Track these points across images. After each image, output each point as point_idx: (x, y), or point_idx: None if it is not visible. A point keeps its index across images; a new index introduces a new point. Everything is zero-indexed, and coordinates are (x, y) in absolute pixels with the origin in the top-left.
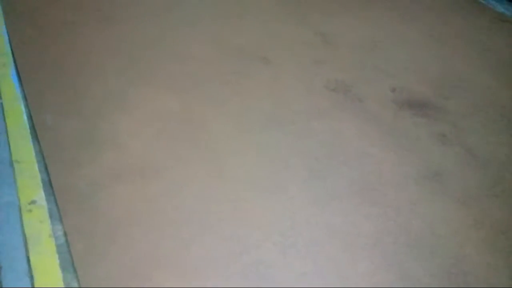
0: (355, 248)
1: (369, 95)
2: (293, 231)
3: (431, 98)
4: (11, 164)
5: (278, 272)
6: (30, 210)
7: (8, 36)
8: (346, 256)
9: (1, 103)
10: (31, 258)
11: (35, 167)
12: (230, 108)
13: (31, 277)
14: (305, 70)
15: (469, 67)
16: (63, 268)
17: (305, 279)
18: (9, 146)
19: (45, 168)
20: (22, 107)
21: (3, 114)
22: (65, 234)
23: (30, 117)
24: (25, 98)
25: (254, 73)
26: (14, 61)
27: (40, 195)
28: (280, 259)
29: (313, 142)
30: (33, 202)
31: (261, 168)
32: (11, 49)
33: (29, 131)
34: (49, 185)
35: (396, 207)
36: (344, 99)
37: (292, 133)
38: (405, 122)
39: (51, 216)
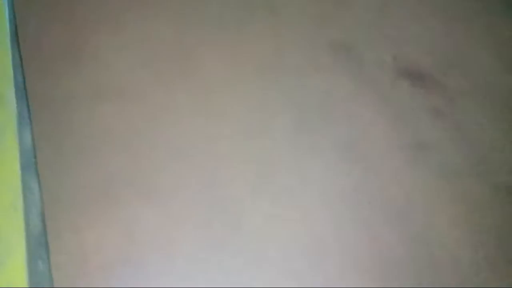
0: (327, 202)
1: (370, 59)
2: (267, 175)
3: (432, 71)
4: None
5: (245, 211)
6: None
7: None
8: (316, 208)
9: None
10: None
11: (9, 69)
12: (226, 48)
13: None
14: (311, 25)
15: (476, 48)
16: (23, 168)
17: (270, 223)
18: None
19: (22, 73)
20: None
21: None
22: (33, 139)
23: (14, 18)
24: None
25: (258, 21)
26: None
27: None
28: (249, 198)
29: (306, 96)
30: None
31: (247, 111)
32: None
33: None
34: (23, 89)
35: (376, 170)
36: (344, 59)
37: (286, 85)
38: (401, 91)
39: (20, 121)
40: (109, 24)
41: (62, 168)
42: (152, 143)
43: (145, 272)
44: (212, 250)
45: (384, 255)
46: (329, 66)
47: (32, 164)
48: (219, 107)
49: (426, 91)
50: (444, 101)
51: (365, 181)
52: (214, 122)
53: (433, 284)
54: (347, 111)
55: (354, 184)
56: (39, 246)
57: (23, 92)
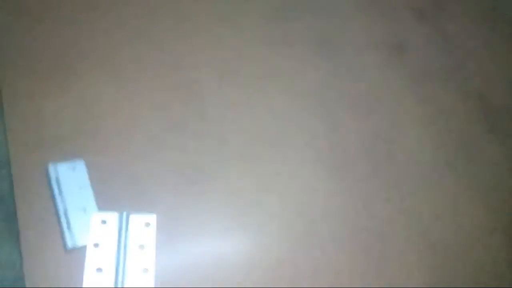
0: (293, 91)
1: None
2: (235, 63)
3: None
4: None
5: (209, 96)
6: None
7: None
8: (281, 96)
9: None
10: None
11: None
12: None
13: None
14: None
15: None
16: None
17: (234, 109)
18: None
19: None
20: None
21: None
22: None
23: None
24: None
25: None
26: None
27: None
28: (215, 85)
29: None
30: None
31: None
32: None
33: None
34: None
35: (347, 66)
36: None
37: None
38: None
39: None
40: None
41: (19, 35)
42: (114, 19)
43: (100, 145)
44: (172, 132)
45: (343, 147)
46: None
47: None
48: None
49: None
50: (430, 5)
51: (334, 75)
52: (186, 2)
53: (392, 179)
54: (326, 4)
55: (323, 78)
56: None
57: None
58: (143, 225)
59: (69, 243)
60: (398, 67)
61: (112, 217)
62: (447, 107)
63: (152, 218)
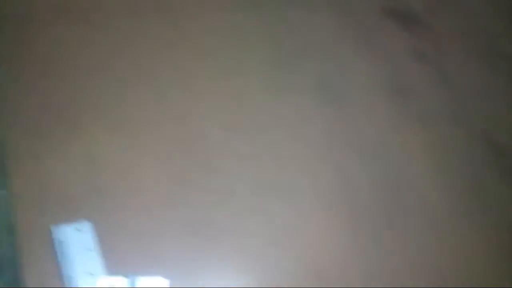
0: (299, 139)
1: None
2: (239, 113)
3: (420, 13)
4: None
5: (215, 148)
6: None
7: None
8: (288, 145)
9: None
10: None
11: None
12: None
13: None
14: None
15: None
16: None
17: (241, 161)
18: None
19: None
20: None
21: None
22: None
23: None
24: None
25: None
26: None
27: None
28: (220, 137)
29: (285, 30)
30: None
31: (223, 43)
32: None
33: None
34: None
35: (351, 111)
36: None
37: (265, 17)
38: (386, 31)
39: None
40: None
41: (21, 93)
42: (119, 73)
43: (106, 204)
44: (179, 186)
45: (355, 197)
46: (311, 1)
47: None
48: (191, 38)
49: (411, 32)
50: (429, 44)
51: (339, 122)
52: (188, 56)
53: (405, 227)
54: (326, 50)
55: (328, 124)
56: None
57: None
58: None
59: None
60: (402, 109)
61: (120, 281)
62: (454, 150)
63: (161, 281)
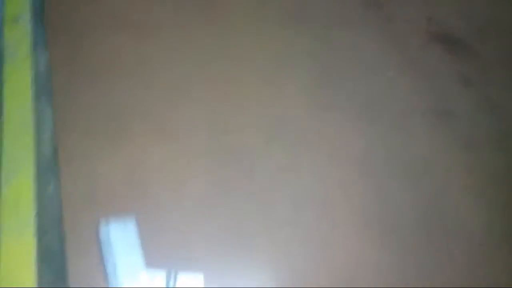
0: (339, 158)
1: (401, 18)
2: (281, 127)
3: (466, 38)
4: None
5: (257, 158)
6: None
7: None
8: (327, 161)
9: None
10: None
11: None
12: None
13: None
14: None
15: None
16: (38, 91)
17: (281, 172)
18: None
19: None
20: None
21: None
22: (48, 64)
23: None
24: None
25: None
26: None
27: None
28: (261, 146)
29: (328, 49)
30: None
31: (268, 59)
32: None
33: None
34: (40, 13)
35: (393, 133)
36: (374, 16)
37: (310, 37)
38: (431, 55)
39: (36, 45)
40: None
41: (76, 95)
42: (167, 80)
43: (150, 205)
44: (221, 195)
45: (393, 215)
46: (357, 21)
47: (46, 88)
48: (238, 51)
49: (457, 57)
50: (475, 69)
51: (380, 142)
52: (232, 66)
53: (444, 250)
54: (371, 69)
55: (368, 144)
56: (49, 170)
57: (40, 16)
58: (191, 284)
59: None
60: (445, 133)
61: (160, 275)
62: (496, 175)
63: (199, 278)
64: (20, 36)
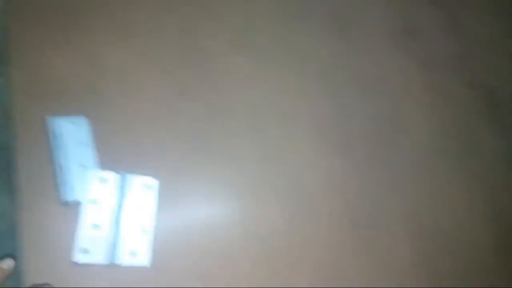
0: (304, 69)
1: None
2: (247, 34)
3: None
4: None
5: (218, 64)
6: None
7: None
8: (292, 74)
9: None
10: None
11: None
12: None
13: None
14: None
15: None
16: None
17: (241, 80)
18: None
19: None
20: None
21: None
22: None
23: None
24: None
25: None
26: None
27: None
28: (226, 54)
29: None
30: None
31: None
32: None
33: None
34: None
35: (358, 48)
36: None
37: None
38: None
39: None
40: None
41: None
42: None
43: (105, 105)
44: (179, 98)
45: (347, 127)
46: None
47: None
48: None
49: None
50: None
51: (345, 56)
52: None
53: (392, 160)
54: None
55: (333, 57)
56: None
57: None
58: (144, 188)
59: (65, 197)
60: (407, 51)
61: (112, 176)
62: (452, 96)
63: (153, 181)
64: None
